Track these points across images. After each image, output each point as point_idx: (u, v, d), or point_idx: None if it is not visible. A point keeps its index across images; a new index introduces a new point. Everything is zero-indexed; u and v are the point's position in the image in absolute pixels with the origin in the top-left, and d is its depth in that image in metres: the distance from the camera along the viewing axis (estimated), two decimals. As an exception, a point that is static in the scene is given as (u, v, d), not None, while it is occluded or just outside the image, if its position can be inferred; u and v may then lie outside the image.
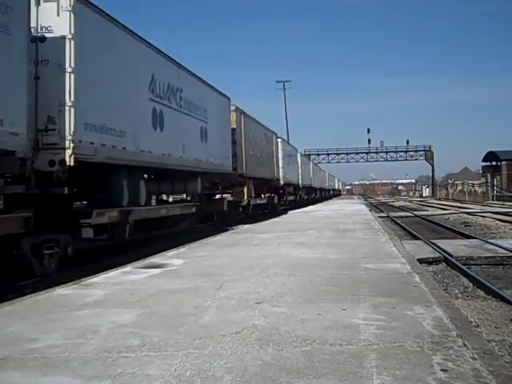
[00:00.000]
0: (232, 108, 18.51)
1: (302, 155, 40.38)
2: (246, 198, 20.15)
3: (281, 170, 28.19)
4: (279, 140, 28.80)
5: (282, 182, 28.10)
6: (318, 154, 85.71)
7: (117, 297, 5.53)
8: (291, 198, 32.81)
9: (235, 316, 4.53)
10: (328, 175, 69.33)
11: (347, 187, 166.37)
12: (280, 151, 28.43)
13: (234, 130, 18.55)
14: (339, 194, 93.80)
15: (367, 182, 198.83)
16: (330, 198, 67.24)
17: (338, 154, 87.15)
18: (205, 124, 14.93)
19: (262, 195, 24.44)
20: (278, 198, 28.38)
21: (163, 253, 9.46)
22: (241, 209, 19.82)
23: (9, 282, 7.47)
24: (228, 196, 18.06)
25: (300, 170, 36.29)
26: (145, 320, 4.48)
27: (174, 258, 8.62)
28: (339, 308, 4.73)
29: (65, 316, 4.71)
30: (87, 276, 6.97)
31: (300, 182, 35.99)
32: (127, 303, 5.18)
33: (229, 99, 17.94)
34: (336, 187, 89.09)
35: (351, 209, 29.13)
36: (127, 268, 7.69)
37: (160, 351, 3.59)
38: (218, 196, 17.79)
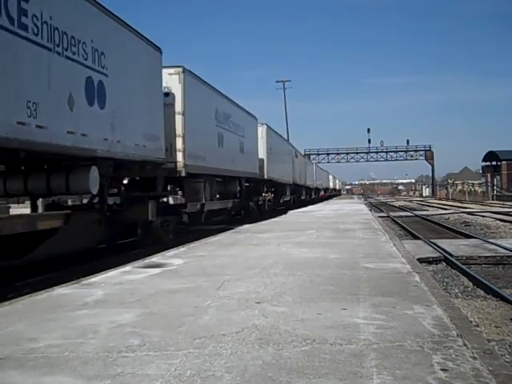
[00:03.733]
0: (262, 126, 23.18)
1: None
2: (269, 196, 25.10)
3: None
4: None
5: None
6: (318, 154, 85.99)
7: (117, 296, 5.52)
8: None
9: (235, 316, 4.52)
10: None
11: (347, 187, 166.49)
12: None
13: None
14: (339, 194, 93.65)
15: (367, 182, 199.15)
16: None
17: (338, 154, 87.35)
18: (242, 139, 19.43)
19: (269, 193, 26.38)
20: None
21: (163, 252, 9.46)
22: (260, 202, 23.59)
23: (8, 282, 7.47)
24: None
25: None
26: (145, 320, 4.48)
27: (173, 258, 8.62)
28: (339, 307, 4.72)
29: (65, 316, 4.71)
30: (87, 276, 6.97)
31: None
32: (127, 303, 5.18)
33: (255, 118, 22.20)
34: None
35: (351, 208, 29.11)
36: (127, 268, 7.69)
37: (160, 351, 3.59)
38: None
